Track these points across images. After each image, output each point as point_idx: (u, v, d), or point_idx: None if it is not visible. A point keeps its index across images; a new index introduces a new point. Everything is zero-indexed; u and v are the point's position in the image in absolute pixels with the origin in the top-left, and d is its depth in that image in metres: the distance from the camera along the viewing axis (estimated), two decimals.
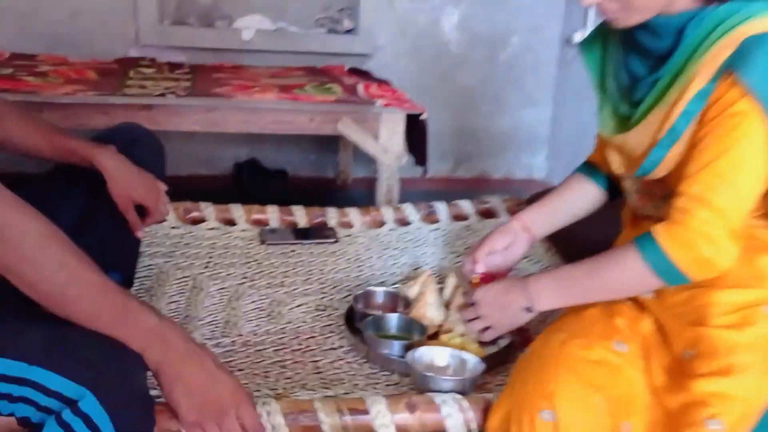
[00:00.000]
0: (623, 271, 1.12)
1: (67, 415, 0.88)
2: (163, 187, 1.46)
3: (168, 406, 0.99)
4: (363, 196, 3.44)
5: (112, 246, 1.41)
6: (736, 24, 1.03)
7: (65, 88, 2.51)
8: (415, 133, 2.66)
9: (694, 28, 1.06)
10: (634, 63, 1.16)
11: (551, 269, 1.28)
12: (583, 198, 1.39)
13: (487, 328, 1.29)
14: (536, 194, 2.01)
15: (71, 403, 0.89)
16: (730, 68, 1.01)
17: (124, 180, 1.37)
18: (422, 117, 2.62)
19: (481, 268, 1.37)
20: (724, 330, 1.07)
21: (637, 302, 1.20)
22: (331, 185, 3.65)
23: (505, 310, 1.24)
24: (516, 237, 1.39)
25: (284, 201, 2.10)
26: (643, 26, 1.09)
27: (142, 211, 1.44)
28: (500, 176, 3.78)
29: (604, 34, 1.25)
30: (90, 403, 0.88)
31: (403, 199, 2.49)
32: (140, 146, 1.50)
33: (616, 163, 1.22)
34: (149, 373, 0.99)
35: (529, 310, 1.21)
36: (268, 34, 3.31)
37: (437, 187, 3.45)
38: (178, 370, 0.97)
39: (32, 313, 0.97)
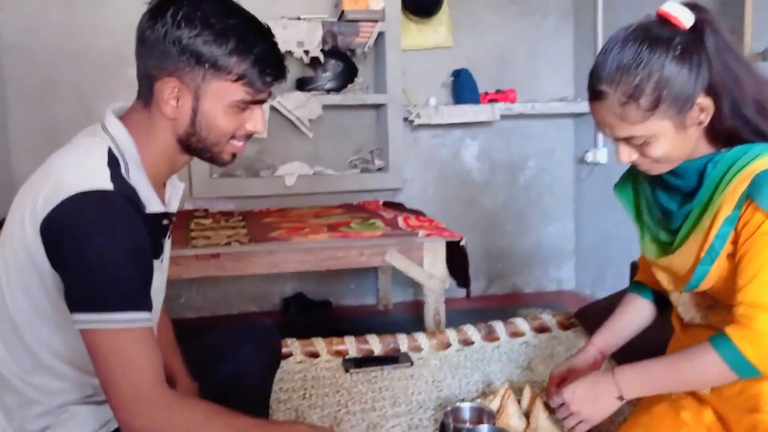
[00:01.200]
0: (703, 367, 1.28)
1: None
2: None
3: None
4: (405, 319, 3.60)
5: None
6: (746, 163, 1.27)
7: None
8: (455, 257, 2.89)
9: (713, 168, 1.30)
10: (663, 198, 1.40)
11: (633, 363, 1.38)
12: (640, 315, 1.60)
13: (579, 423, 1.41)
14: (584, 308, 2.23)
15: None
16: (749, 197, 1.25)
17: None
18: (462, 243, 2.87)
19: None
20: None
21: (696, 397, 1.39)
22: (372, 311, 3.81)
23: (597, 401, 1.37)
24: (594, 360, 1.59)
25: (332, 330, 2.28)
26: (669, 170, 1.34)
27: None
28: (531, 290, 3.94)
29: (633, 175, 1.50)
30: None
31: (445, 319, 2.68)
32: (247, 344, 1.59)
33: (665, 281, 1.43)
34: None
35: (620, 398, 1.35)
36: (307, 177, 3.57)
37: (474, 305, 3.55)
38: None
39: None
